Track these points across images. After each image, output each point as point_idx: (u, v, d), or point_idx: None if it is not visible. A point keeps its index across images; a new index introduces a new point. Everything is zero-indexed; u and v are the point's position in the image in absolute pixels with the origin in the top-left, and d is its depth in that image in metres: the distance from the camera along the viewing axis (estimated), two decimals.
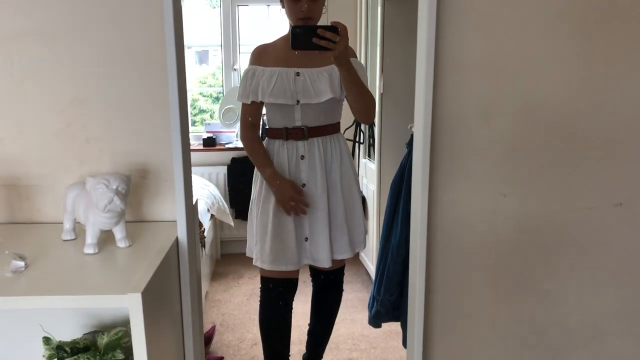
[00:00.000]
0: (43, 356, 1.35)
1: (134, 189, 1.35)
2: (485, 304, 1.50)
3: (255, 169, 2.34)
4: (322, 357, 2.79)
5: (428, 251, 1.42)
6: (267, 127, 2.34)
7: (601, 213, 1.42)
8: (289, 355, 2.53)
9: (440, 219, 1.43)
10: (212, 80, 5.60)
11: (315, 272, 2.57)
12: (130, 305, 1.06)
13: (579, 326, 1.50)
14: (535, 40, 1.36)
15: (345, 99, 2.29)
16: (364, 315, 3.43)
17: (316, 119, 2.25)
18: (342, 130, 3.65)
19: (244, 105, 2.31)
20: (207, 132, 4.57)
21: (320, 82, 2.20)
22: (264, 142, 2.34)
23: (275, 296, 2.38)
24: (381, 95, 3.50)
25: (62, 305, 1.07)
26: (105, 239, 1.31)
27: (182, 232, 1.35)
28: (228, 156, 4.42)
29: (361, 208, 2.48)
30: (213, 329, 3.27)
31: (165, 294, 1.26)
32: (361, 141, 3.89)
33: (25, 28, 1.32)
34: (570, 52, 1.37)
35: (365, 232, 2.54)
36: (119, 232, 1.27)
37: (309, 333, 2.76)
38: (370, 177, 3.80)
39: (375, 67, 3.66)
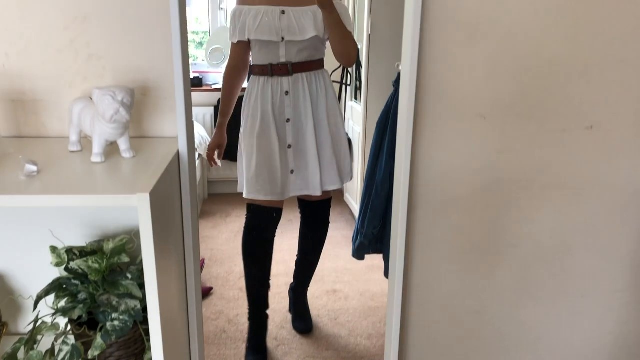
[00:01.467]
0: (51, 263, 1.44)
1: (134, 106, 1.42)
2: (463, 222, 1.60)
3: (243, 106, 2.42)
4: (308, 287, 2.92)
5: (411, 176, 1.52)
6: (252, 64, 2.40)
7: (573, 135, 1.53)
8: (269, 279, 2.66)
9: (424, 142, 1.52)
10: (195, 26, 5.52)
11: (303, 204, 2.67)
12: (139, 205, 1.13)
13: (549, 242, 1.62)
14: None
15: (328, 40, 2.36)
16: (348, 251, 3.57)
17: (300, 56, 2.32)
18: (329, 73, 3.71)
19: (232, 46, 2.40)
20: (194, 72, 4.57)
21: (305, 20, 2.25)
22: (249, 80, 2.41)
23: (259, 223, 2.49)
24: (369, 36, 3.54)
25: (73, 204, 1.14)
26: (110, 152, 1.38)
27: (182, 146, 1.42)
28: (215, 97, 4.45)
29: (347, 141, 2.58)
30: (202, 261, 3.39)
31: (168, 203, 1.34)
32: (348, 83, 3.94)
33: None
34: None
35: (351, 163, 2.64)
36: (123, 144, 1.34)
37: (297, 264, 2.88)
38: (356, 119, 3.87)
39: (363, 9, 3.68)
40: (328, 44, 2.40)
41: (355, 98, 3.96)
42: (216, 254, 3.61)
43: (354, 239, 2.84)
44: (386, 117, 2.61)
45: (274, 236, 2.56)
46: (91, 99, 1.36)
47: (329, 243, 3.65)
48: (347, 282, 3.27)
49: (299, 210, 2.72)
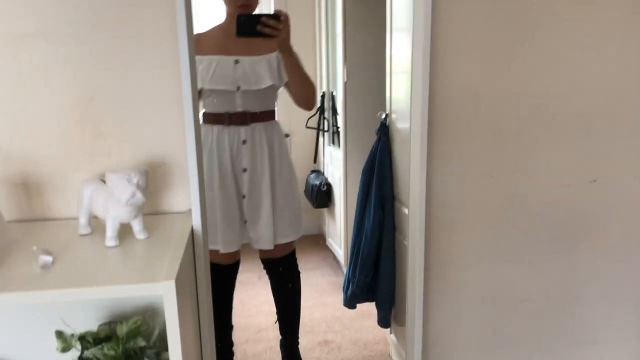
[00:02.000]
0: (57, 349, 1.38)
1: None
2: (476, 278, 1.63)
3: None
4: (297, 338, 2.86)
5: (426, 233, 1.53)
6: (204, 112, 2.34)
7: (577, 189, 1.58)
8: (231, 320, 2.68)
9: (435, 199, 1.55)
10: None
11: (267, 263, 2.61)
12: (164, 293, 1.11)
13: (559, 293, 1.66)
14: (520, 32, 1.49)
15: (284, 87, 2.36)
16: (335, 298, 3.54)
17: (257, 105, 2.29)
18: (306, 119, 3.75)
19: None
20: None
21: (260, 69, 2.25)
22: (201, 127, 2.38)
23: (217, 281, 2.46)
24: (345, 83, 3.59)
25: (97, 296, 1.11)
26: (122, 232, 1.34)
27: (197, 222, 1.40)
28: None
29: (299, 193, 2.55)
30: None
31: (186, 281, 1.32)
32: (325, 129, 3.98)
33: (32, 28, 1.32)
34: (550, 42, 1.51)
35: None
36: (137, 225, 1.31)
37: (278, 320, 2.82)
38: (336, 164, 3.89)
39: (336, 57, 3.74)
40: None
41: (333, 142, 4.00)
42: None
43: (345, 288, 2.82)
44: (371, 165, 2.64)
45: (234, 287, 2.56)
46: (101, 180, 1.33)
47: (316, 291, 3.62)
48: (338, 332, 3.24)
49: None
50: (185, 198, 1.44)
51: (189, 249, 1.36)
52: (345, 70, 3.56)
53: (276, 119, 2.45)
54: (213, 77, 2.21)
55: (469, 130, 1.51)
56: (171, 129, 1.40)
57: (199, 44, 2.28)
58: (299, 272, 2.70)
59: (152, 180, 1.44)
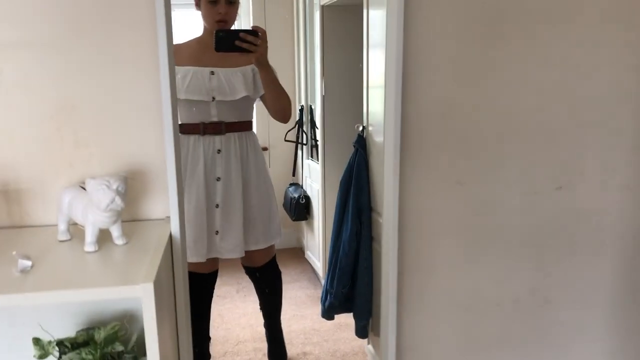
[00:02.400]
0: (34, 356, 1.39)
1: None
2: (449, 282, 1.67)
3: None
4: (280, 321, 2.91)
5: (399, 241, 1.58)
6: (180, 122, 2.36)
7: (545, 196, 1.64)
8: (209, 331, 2.68)
9: (408, 207, 1.59)
10: None
11: (249, 271, 2.66)
12: (143, 295, 1.13)
13: (529, 298, 1.71)
14: (488, 46, 1.56)
15: (260, 99, 2.42)
16: (313, 310, 3.56)
17: (232, 115, 2.34)
18: (284, 133, 3.79)
19: None
20: None
21: (235, 81, 2.30)
22: None
23: (195, 290, 2.48)
24: (323, 97, 3.65)
25: (76, 299, 1.12)
26: (101, 238, 1.36)
27: (175, 228, 1.42)
28: None
29: (275, 201, 2.60)
30: None
31: (165, 286, 1.33)
32: (304, 142, 4.02)
33: (12, 38, 1.34)
34: (517, 56, 1.58)
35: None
36: (116, 230, 1.33)
37: (261, 310, 2.87)
38: (314, 177, 3.93)
39: (315, 71, 3.79)
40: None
41: (312, 156, 4.04)
42: None
43: (323, 300, 2.84)
44: (349, 177, 2.67)
45: (211, 297, 2.57)
46: (80, 187, 1.35)
47: (294, 303, 3.64)
48: (316, 344, 3.25)
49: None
50: (163, 205, 1.46)
51: (167, 256, 1.38)
52: (323, 84, 3.62)
53: (254, 131, 2.49)
54: (189, 87, 2.25)
55: (440, 140, 1.56)
56: (150, 138, 1.42)
57: (176, 55, 2.31)
58: (279, 274, 2.74)
59: (131, 187, 1.46)
